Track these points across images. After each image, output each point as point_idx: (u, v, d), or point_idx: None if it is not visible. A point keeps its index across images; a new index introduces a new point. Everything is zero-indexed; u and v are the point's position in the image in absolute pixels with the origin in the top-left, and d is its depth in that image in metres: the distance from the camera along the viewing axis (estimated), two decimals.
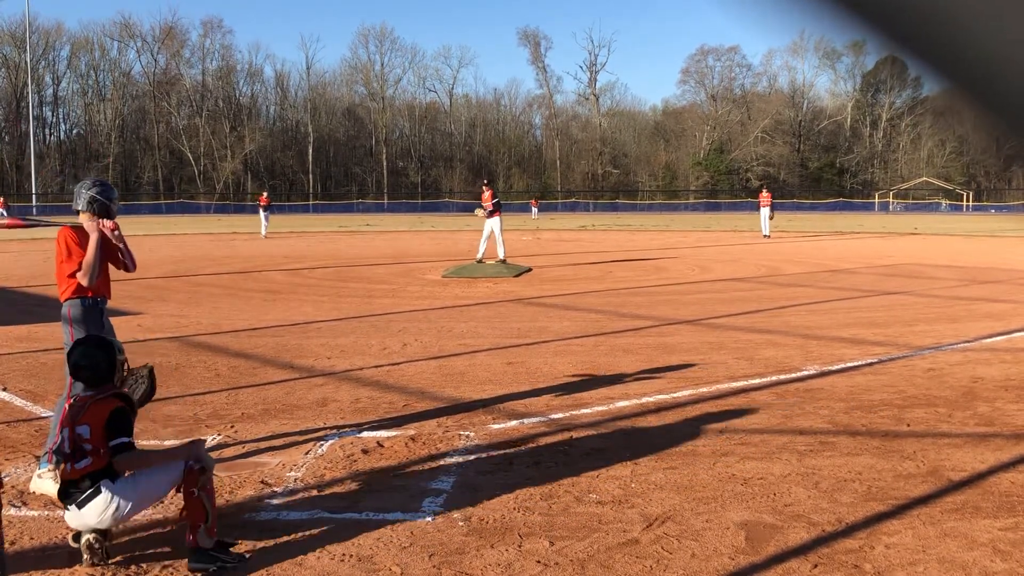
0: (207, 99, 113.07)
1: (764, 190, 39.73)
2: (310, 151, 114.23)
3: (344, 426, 7.14)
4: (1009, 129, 0.65)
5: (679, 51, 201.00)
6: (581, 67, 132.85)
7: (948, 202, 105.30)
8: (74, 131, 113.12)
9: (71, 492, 4.57)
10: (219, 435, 6.86)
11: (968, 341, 11.15)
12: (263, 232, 39.62)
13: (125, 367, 5.06)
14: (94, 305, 6.04)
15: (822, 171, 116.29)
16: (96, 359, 4.80)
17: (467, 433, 6.91)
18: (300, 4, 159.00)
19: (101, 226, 6.04)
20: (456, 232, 46.76)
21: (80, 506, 4.53)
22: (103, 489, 4.53)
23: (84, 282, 5.91)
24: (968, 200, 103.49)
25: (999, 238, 37.09)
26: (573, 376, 9.10)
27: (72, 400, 4.81)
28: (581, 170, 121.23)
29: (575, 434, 6.89)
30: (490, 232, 22.34)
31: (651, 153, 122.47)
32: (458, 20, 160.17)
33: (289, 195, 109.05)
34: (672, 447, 6.49)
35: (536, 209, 75.78)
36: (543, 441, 6.71)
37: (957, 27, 0.60)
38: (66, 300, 5.99)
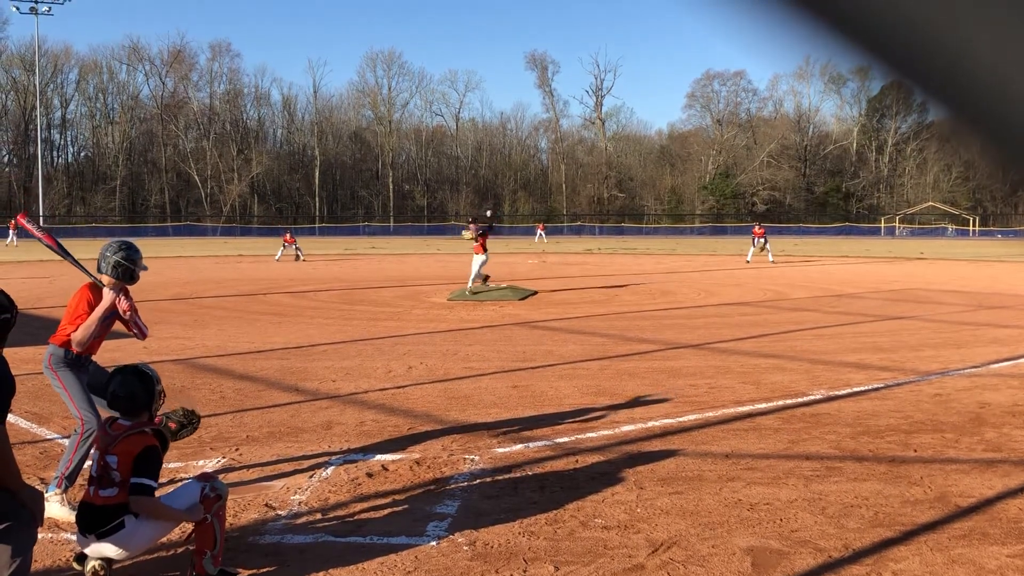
0: (214, 122, 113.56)
1: (758, 226, 40.58)
2: (316, 174, 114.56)
3: (349, 449, 7.12)
4: (1012, 158, 0.65)
5: (685, 76, 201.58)
6: (587, 91, 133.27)
7: (954, 227, 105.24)
8: (82, 154, 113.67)
9: (89, 518, 4.54)
10: (224, 458, 6.85)
11: (975, 366, 11.12)
12: (279, 256, 39.70)
13: (162, 397, 5.03)
14: (77, 359, 6.05)
15: (828, 196, 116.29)
16: (134, 389, 4.79)
17: (472, 457, 6.89)
18: (308, 29, 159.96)
19: (117, 303, 6.03)
20: (462, 255, 46.81)
21: (100, 537, 4.50)
22: (127, 524, 4.51)
23: (75, 346, 5.96)
24: (974, 225, 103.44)
25: (1005, 263, 37.04)
26: (579, 400, 9.08)
27: (108, 428, 4.78)
28: (587, 194, 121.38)
29: (580, 458, 6.86)
30: (480, 262, 22.01)
31: (657, 177, 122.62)
32: (465, 45, 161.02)
33: (296, 218, 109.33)
34: (678, 472, 6.46)
35: (542, 233, 75.77)
36: (548, 465, 6.69)
37: (960, 56, 0.60)
38: (55, 344, 6.07)
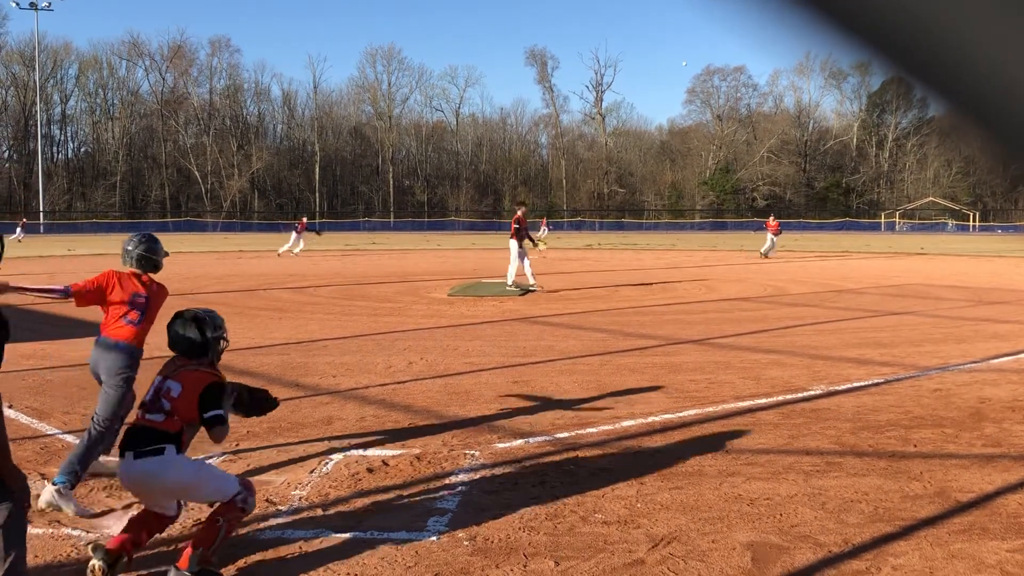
0: (214, 118, 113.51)
1: (772, 219, 40.18)
2: (317, 170, 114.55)
3: (349, 445, 7.13)
4: (1012, 153, 0.65)
5: (685, 71, 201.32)
6: (587, 87, 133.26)
7: (954, 222, 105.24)
8: (82, 149, 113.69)
9: (132, 438, 4.63)
10: (224, 453, 6.85)
11: (975, 361, 11.12)
12: (283, 248, 39.58)
13: (224, 343, 5.21)
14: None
15: (828, 191, 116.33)
16: (189, 334, 4.98)
17: (472, 452, 6.90)
18: (307, 24, 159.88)
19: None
20: (462, 251, 46.81)
21: (137, 456, 4.55)
22: (166, 452, 4.57)
23: None
24: (975, 220, 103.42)
25: (1006, 258, 37.04)
26: (579, 395, 9.09)
27: (174, 360, 4.99)
28: (587, 189, 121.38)
29: (581, 453, 6.87)
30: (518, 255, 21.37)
31: (657, 172, 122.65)
32: (465, 40, 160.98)
33: (296, 213, 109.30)
34: (678, 467, 6.47)
35: (546, 228, 75.69)
36: (548, 460, 6.70)
37: (961, 50, 0.60)
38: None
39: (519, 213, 21.94)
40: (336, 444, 7.15)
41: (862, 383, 9.70)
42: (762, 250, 38.12)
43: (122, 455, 4.62)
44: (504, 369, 10.65)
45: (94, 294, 6.40)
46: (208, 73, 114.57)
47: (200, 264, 34.12)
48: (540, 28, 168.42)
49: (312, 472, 6.39)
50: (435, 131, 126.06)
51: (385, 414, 8.25)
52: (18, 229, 65.36)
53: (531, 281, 21.16)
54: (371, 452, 6.91)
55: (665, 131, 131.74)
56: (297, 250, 39.57)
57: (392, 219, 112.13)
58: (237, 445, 7.09)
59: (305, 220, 42.29)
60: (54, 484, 5.62)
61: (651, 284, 23.67)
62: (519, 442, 7.24)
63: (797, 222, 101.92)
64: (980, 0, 0.59)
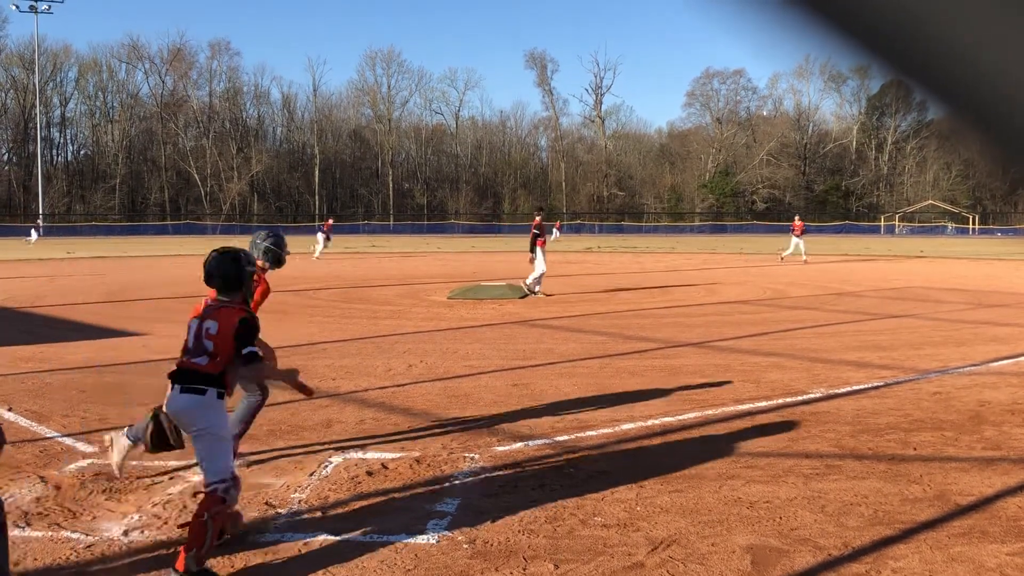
0: (214, 121, 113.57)
1: (798, 218, 39.58)
2: (316, 172, 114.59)
3: (349, 447, 7.13)
4: (1011, 156, 0.65)
5: (684, 74, 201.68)
6: (587, 90, 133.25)
7: (954, 225, 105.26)
8: (81, 152, 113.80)
9: (180, 374, 4.94)
10: None
11: (975, 365, 11.12)
12: (317, 253, 39.58)
13: (256, 277, 5.51)
14: None
15: (828, 194, 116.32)
16: (226, 268, 5.16)
17: (472, 455, 6.89)
18: (307, 27, 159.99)
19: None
20: (462, 254, 46.82)
21: (184, 390, 4.87)
22: (207, 394, 4.85)
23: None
24: (974, 223, 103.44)
25: (1005, 261, 37.06)
26: (578, 398, 9.09)
27: (208, 302, 5.23)
28: (587, 192, 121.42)
29: (580, 456, 6.87)
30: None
31: (656, 175, 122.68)
32: (465, 43, 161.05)
33: (296, 216, 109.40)
34: (677, 470, 6.46)
35: (558, 231, 75.48)
36: (548, 463, 6.70)
37: (960, 54, 0.60)
38: None
39: (538, 219, 21.86)
40: (335, 447, 7.15)
41: (862, 386, 9.70)
42: (785, 253, 37.60)
43: (173, 386, 4.93)
44: (504, 372, 10.65)
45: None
46: (208, 76, 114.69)
47: (199, 267, 34.10)
48: (540, 31, 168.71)
49: (311, 475, 6.38)
50: (435, 134, 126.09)
51: (384, 417, 8.25)
52: (33, 232, 65.71)
53: (537, 286, 21.13)
54: (370, 455, 6.91)
55: (664, 134, 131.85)
56: (316, 255, 39.75)
57: (392, 222, 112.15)
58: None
59: (331, 221, 42.39)
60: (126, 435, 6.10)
61: (651, 287, 23.67)
62: (518, 445, 7.24)
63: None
64: (978, 2, 0.59)
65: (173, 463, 6.54)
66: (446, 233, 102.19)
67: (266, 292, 7.08)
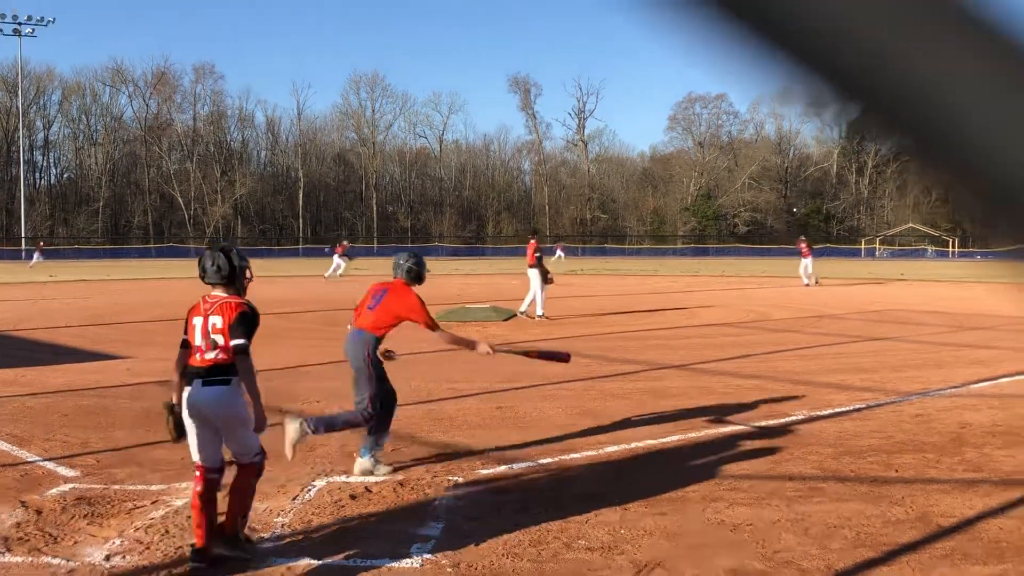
0: (198, 144, 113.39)
1: (803, 242, 37.65)
2: (300, 196, 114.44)
3: (332, 471, 7.11)
4: (978, 197, 0.67)
5: (667, 98, 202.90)
6: (570, 114, 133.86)
7: (934, 248, 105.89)
8: (65, 175, 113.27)
9: (197, 371, 5.32)
10: None
11: (956, 387, 11.19)
12: (337, 272, 40.09)
13: (249, 274, 5.86)
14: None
15: (809, 217, 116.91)
16: (218, 260, 5.57)
17: (456, 478, 6.89)
18: (292, 51, 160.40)
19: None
20: (445, 276, 46.78)
21: (205, 384, 5.28)
22: (232, 383, 5.33)
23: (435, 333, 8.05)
24: (954, 246, 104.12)
25: (985, 284, 37.27)
26: (563, 421, 9.09)
27: (206, 298, 5.62)
28: (570, 215, 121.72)
29: (564, 479, 6.88)
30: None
31: (639, 198, 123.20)
32: (449, 67, 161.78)
33: (279, 239, 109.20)
34: (662, 493, 6.47)
35: (562, 252, 75.31)
36: (532, 486, 6.70)
37: (928, 94, 0.63)
38: (376, 334, 7.75)
39: (535, 241, 21.77)
40: (319, 471, 7.13)
41: (844, 408, 9.75)
42: (807, 280, 35.76)
43: (189, 382, 5.31)
44: (488, 394, 10.64)
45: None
46: (192, 99, 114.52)
47: (184, 289, 33.99)
48: (523, 56, 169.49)
49: (294, 499, 6.36)
50: (419, 157, 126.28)
51: None
52: (36, 254, 65.56)
53: (523, 309, 21.11)
54: (354, 479, 6.89)
55: (647, 158, 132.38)
56: (328, 273, 40.07)
57: (376, 245, 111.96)
58: None
59: (347, 243, 42.53)
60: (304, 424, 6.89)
61: (634, 310, 23.70)
62: (502, 468, 7.24)
63: (778, 248, 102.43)
64: (943, 43, 0.62)
65: (155, 487, 6.51)
66: (430, 256, 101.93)
67: (421, 300, 8.02)
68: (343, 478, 6.90)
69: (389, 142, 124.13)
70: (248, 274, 5.86)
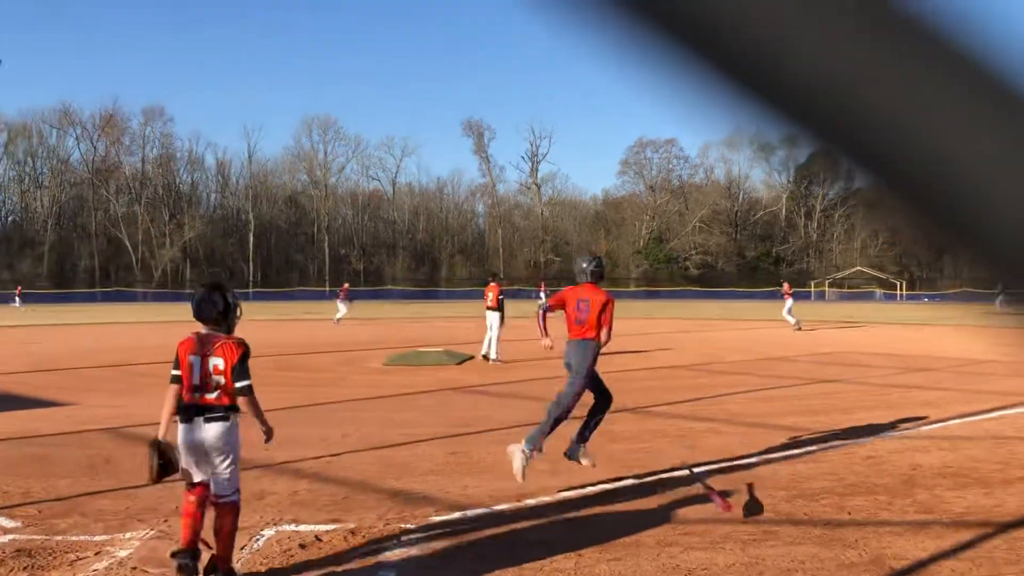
0: (146, 187, 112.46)
1: (785, 284, 38.34)
2: (251, 238, 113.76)
3: (281, 519, 6.97)
4: (935, 229, 0.66)
5: (618, 143, 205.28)
6: (523, 157, 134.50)
7: (882, 291, 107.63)
8: (9, 218, 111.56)
9: (197, 410, 5.54)
10: (152, 530, 6.66)
11: (906, 428, 11.30)
12: (338, 316, 40.13)
13: (239, 310, 5.96)
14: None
15: (759, 260, 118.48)
16: (213, 297, 5.77)
17: (409, 526, 6.79)
18: (243, 93, 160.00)
19: None
20: (399, 320, 46.60)
21: (207, 421, 5.52)
22: (231, 418, 5.58)
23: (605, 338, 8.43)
24: (902, 289, 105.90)
25: (933, 326, 37.90)
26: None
27: (200, 336, 5.74)
28: (524, 258, 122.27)
29: (519, 526, 6.80)
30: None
31: (592, 241, 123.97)
32: (402, 111, 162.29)
33: (229, 283, 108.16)
34: (616, 537, 6.43)
35: (544, 293, 75.23)
36: (486, 533, 6.62)
37: (885, 126, 0.61)
38: (597, 340, 8.38)
39: (497, 285, 21.73)
40: (268, 519, 6.99)
41: (796, 451, 9.79)
42: (794, 324, 35.37)
43: (189, 421, 5.54)
44: (441, 440, 10.55)
45: (557, 305, 8.69)
46: (141, 142, 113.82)
47: (130, 334, 33.50)
48: (477, 100, 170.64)
49: (243, 548, 6.22)
50: (372, 200, 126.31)
51: (319, 487, 8.10)
52: (17, 299, 64.92)
53: (484, 351, 21.08)
54: (304, 527, 6.76)
55: (600, 201, 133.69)
56: (338, 316, 40.37)
57: (328, 288, 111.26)
58: (166, 521, 6.89)
59: (347, 286, 42.59)
60: (524, 449, 7.89)
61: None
62: (456, 515, 7.15)
63: (729, 291, 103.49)
64: (904, 74, 0.60)
65: (99, 537, 6.34)
66: (383, 299, 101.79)
67: (613, 303, 8.52)
68: (292, 527, 6.77)
69: (341, 184, 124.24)
70: (239, 311, 5.99)
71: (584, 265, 8.70)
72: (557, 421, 8.16)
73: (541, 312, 8.96)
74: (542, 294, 72.79)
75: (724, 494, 7.31)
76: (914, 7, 0.60)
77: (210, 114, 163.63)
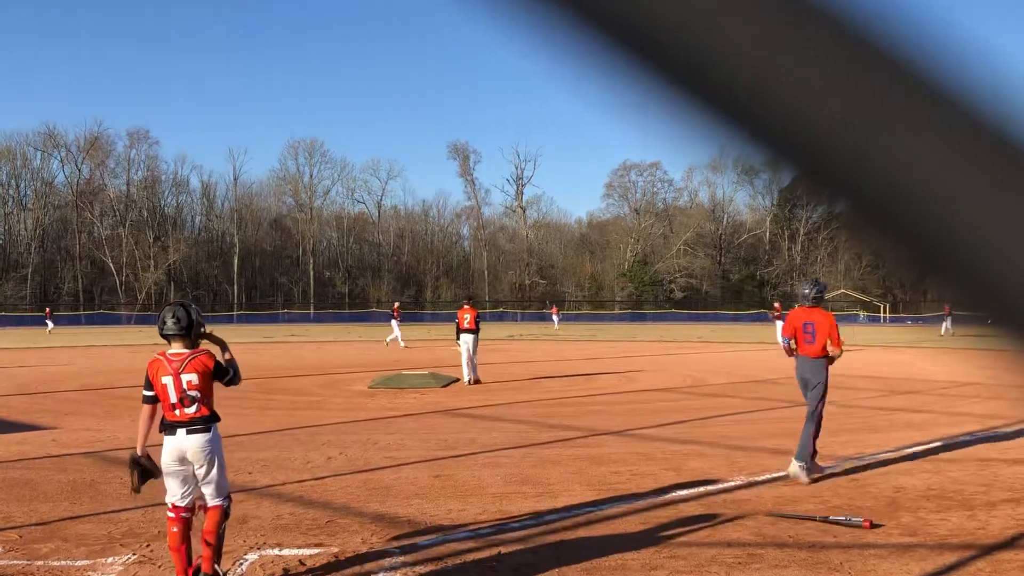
0: (131, 209, 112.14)
1: (776, 303, 38.00)
2: (235, 261, 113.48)
3: (265, 544, 6.93)
4: (912, 257, 0.66)
5: (603, 166, 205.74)
6: (508, 180, 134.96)
7: (866, 313, 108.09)
8: None
9: (180, 424, 5.79)
10: (134, 554, 6.60)
11: (889, 451, 11.33)
12: (400, 342, 39.64)
13: (204, 328, 6.14)
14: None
15: (743, 283, 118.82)
16: (178, 313, 5.97)
17: (393, 550, 6.75)
18: (228, 116, 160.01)
19: None
20: (384, 343, 46.51)
21: (189, 432, 5.78)
22: (212, 430, 5.87)
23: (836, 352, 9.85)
24: (885, 312, 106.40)
25: (916, 349, 38.05)
26: (501, 489, 9.00)
27: (169, 356, 5.93)
28: (508, 280, 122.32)
29: (503, 549, 6.77)
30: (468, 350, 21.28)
31: (577, 264, 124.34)
32: (388, 134, 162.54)
33: (213, 306, 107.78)
34: (601, 560, 6.41)
35: (557, 317, 75.17)
36: (470, 557, 6.59)
37: (863, 152, 0.62)
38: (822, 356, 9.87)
39: (473, 308, 21.76)
40: (251, 543, 6.94)
41: (780, 473, 9.79)
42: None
43: (173, 434, 5.77)
44: (425, 463, 10.51)
45: (790, 330, 10.13)
46: (125, 164, 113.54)
47: (113, 357, 33.32)
48: (462, 123, 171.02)
49: (226, 573, 6.17)
50: (357, 222, 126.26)
51: (303, 512, 8.06)
52: (48, 321, 65.50)
53: (468, 374, 21.02)
54: (287, 552, 6.72)
55: (584, 224, 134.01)
56: (389, 338, 40.29)
57: (312, 311, 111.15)
58: (148, 546, 6.83)
59: (397, 305, 42.40)
60: (797, 462, 9.32)
61: (573, 375, 23.73)
62: (440, 538, 7.12)
63: (713, 313, 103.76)
64: (883, 104, 0.61)
65: (80, 562, 6.28)
66: (368, 321, 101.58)
67: (834, 321, 9.87)
68: (276, 551, 6.72)
69: (327, 207, 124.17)
70: (203, 329, 6.17)
71: (807, 291, 9.98)
72: (818, 430, 9.62)
73: (785, 344, 10.32)
74: (555, 317, 73.00)
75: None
76: (900, 47, 0.61)
77: (196, 137, 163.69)
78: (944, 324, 36.48)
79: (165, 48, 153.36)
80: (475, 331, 21.24)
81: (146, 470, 5.93)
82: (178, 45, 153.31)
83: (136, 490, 5.96)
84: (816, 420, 9.63)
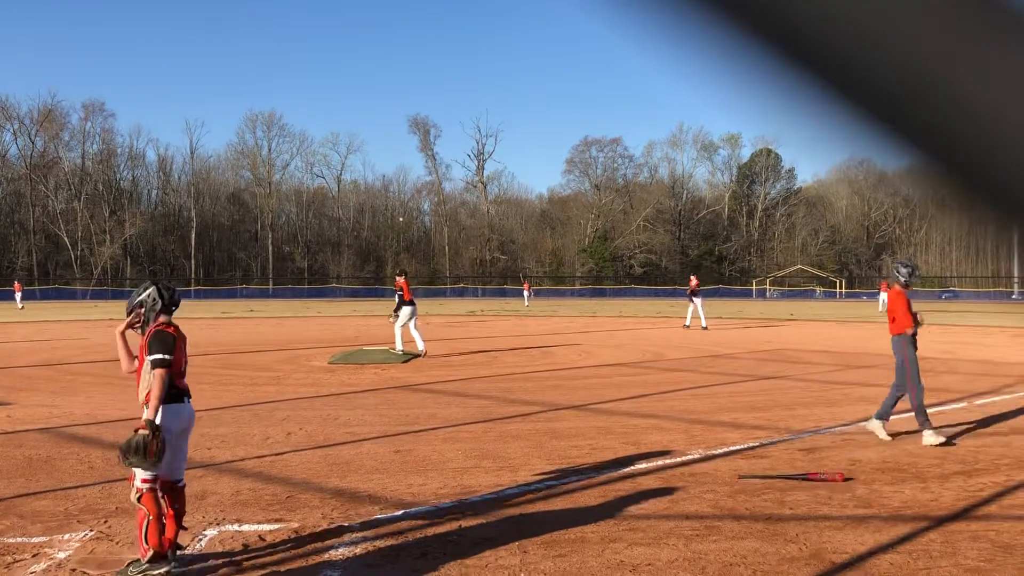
0: (86, 183, 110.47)
1: (693, 278, 36.74)
2: (193, 236, 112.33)
3: (224, 520, 6.90)
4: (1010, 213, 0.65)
5: (564, 141, 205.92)
6: (469, 155, 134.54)
7: (822, 289, 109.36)
8: None
9: (183, 392, 6.14)
10: (92, 530, 6.55)
11: (845, 424, 11.49)
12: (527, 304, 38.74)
13: (157, 306, 6.20)
14: (915, 340, 10.67)
15: (702, 258, 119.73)
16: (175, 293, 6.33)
17: (353, 524, 6.75)
18: (185, 89, 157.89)
19: None
20: (343, 318, 46.31)
21: (188, 401, 6.17)
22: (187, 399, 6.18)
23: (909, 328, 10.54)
24: (841, 287, 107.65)
25: (872, 323, 38.55)
26: (462, 464, 9.02)
27: (174, 325, 6.24)
28: (469, 256, 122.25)
29: (464, 523, 6.80)
30: (406, 323, 21.49)
31: (538, 240, 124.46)
32: (347, 108, 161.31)
33: (170, 281, 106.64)
34: (561, 534, 6.45)
35: (528, 293, 74.22)
36: (431, 531, 6.61)
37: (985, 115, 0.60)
38: (897, 335, 10.59)
39: (406, 281, 21.87)
40: (210, 519, 6.91)
41: (738, 447, 9.90)
42: (703, 323, 34.05)
43: (181, 400, 6.03)
44: (386, 438, 10.51)
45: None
46: (80, 137, 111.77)
47: (68, 333, 32.89)
48: (422, 97, 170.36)
49: (185, 549, 6.14)
50: (316, 197, 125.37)
51: (262, 487, 8.03)
52: (18, 296, 64.03)
53: (421, 348, 21.05)
54: (247, 527, 6.70)
55: (545, 200, 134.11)
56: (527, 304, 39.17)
57: (271, 286, 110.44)
58: (106, 522, 6.78)
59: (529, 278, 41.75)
60: (875, 420, 10.51)
61: (533, 349, 23.80)
62: (401, 513, 7.13)
63: (672, 288, 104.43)
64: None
65: (36, 539, 6.22)
66: (327, 297, 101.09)
67: (906, 303, 10.55)
68: (235, 527, 6.70)
69: (285, 182, 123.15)
70: (157, 307, 6.31)
71: (895, 272, 10.73)
72: (921, 408, 10.20)
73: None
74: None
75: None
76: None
77: (152, 110, 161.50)
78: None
79: (121, 19, 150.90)
80: (410, 303, 21.63)
81: (164, 442, 5.74)
82: (134, 16, 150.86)
83: (160, 459, 5.61)
84: (898, 395, 10.47)
